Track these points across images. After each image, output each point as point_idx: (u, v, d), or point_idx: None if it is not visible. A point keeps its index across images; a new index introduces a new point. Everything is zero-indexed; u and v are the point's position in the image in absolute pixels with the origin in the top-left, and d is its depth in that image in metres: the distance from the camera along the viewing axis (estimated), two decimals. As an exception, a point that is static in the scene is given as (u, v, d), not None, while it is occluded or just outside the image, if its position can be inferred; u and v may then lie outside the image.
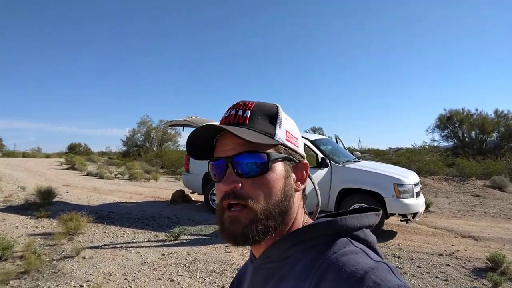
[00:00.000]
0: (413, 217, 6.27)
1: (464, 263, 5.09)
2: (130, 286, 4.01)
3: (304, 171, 0.77)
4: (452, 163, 16.82)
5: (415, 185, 6.42)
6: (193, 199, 9.65)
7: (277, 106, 0.78)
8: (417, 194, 6.42)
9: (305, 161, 0.79)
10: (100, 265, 4.65)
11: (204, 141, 0.76)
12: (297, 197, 0.75)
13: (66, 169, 19.98)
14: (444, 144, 24.64)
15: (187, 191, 9.45)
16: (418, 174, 8.55)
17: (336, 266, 0.60)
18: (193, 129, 0.82)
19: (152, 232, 6.42)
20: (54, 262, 4.71)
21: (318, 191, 0.86)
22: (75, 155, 28.13)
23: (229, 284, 0.91)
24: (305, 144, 7.00)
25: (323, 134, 8.08)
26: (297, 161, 0.76)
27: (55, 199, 8.82)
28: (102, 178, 15.51)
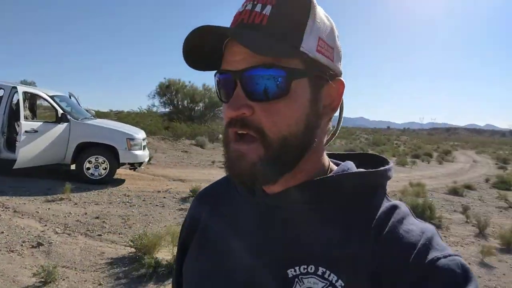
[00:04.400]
0: (140, 166, 7.85)
1: (175, 195, 7.08)
2: None
3: (337, 93, 0.58)
4: (168, 126, 19.74)
5: (143, 139, 7.98)
6: None
7: (311, 0, 0.54)
8: (144, 148, 8.01)
9: (341, 78, 0.58)
10: None
11: (209, 46, 0.56)
12: (323, 128, 0.58)
13: None
14: (162, 109, 27.76)
15: None
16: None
17: (401, 220, 0.54)
18: None
19: None
20: None
21: (342, 117, 0.67)
22: None
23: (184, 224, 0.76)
24: (44, 99, 7.20)
25: (35, 87, 8.20)
26: (330, 80, 0.56)
27: None
28: None
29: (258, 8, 0.53)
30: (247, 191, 0.62)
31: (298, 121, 0.53)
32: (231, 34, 0.52)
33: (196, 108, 27.61)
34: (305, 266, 0.53)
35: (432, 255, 0.49)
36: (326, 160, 0.63)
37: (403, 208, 0.57)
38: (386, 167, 0.61)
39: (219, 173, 10.11)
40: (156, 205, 6.33)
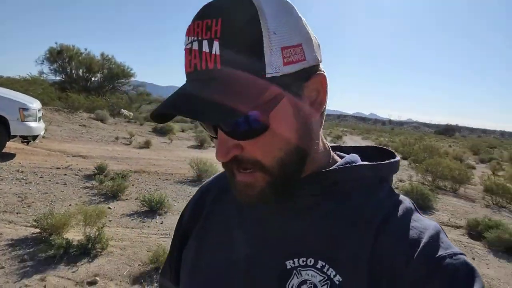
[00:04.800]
0: (34, 139, 7.08)
1: (78, 172, 6.61)
2: None
3: (321, 85, 0.53)
4: (61, 96, 17.94)
5: (38, 110, 7.19)
6: None
7: (256, 12, 0.47)
8: (39, 119, 7.23)
9: (320, 70, 0.53)
10: None
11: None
12: (317, 124, 0.56)
13: None
14: (52, 77, 24.99)
15: None
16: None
17: (405, 215, 0.54)
18: None
19: None
20: None
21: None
22: None
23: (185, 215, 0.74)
24: None
25: None
26: (308, 79, 0.52)
27: None
28: None
29: (205, 47, 0.47)
30: None
31: (290, 139, 0.51)
32: (194, 117, 0.46)
33: (93, 78, 25.52)
34: (304, 259, 0.54)
35: (436, 253, 0.49)
36: (327, 152, 0.61)
37: (408, 203, 0.57)
38: (392, 160, 0.61)
39: (124, 150, 9.67)
40: (57, 183, 5.84)
